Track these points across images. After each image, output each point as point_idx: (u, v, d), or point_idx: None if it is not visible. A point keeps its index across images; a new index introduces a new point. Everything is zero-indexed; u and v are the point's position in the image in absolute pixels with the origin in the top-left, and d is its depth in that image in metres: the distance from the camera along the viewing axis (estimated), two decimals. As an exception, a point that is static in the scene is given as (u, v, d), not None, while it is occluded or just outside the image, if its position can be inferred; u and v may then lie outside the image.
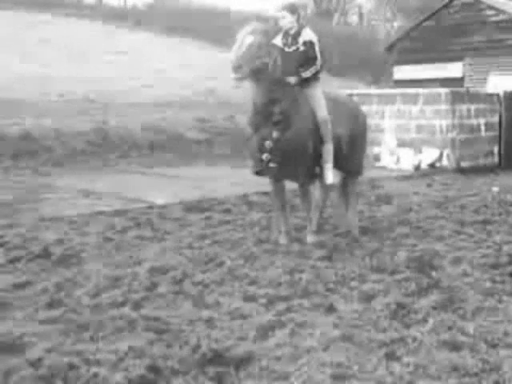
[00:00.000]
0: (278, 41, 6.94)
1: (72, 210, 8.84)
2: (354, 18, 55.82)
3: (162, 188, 11.08)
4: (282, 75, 6.66)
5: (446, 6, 24.67)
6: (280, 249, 6.78)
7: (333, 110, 6.97)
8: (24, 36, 26.45)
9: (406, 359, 4.06)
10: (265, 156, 6.58)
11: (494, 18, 23.18)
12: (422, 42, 25.03)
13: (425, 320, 4.72)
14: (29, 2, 33.06)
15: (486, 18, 23.42)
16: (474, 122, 15.38)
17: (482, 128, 15.68)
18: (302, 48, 6.81)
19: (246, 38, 6.36)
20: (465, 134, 15.08)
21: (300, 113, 6.69)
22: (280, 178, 6.99)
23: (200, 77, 25.70)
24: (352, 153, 7.32)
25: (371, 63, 34.87)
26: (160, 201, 9.54)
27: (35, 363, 3.95)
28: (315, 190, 7.22)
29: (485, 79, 21.12)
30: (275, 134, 6.52)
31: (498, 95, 16.19)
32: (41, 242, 6.91)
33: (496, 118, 16.05)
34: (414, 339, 4.35)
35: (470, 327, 4.54)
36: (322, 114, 6.83)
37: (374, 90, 18.24)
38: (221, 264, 6.20)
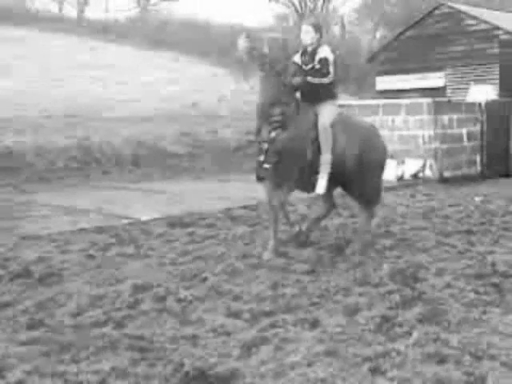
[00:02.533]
0: (297, 58, 7.07)
1: (53, 227, 8.77)
2: (335, 29, 56.07)
3: (145, 204, 11.03)
4: (301, 96, 6.90)
5: (427, 16, 24.82)
6: (264, 263, 6.75)
7: (345, 130, 7.02)
8: (2, 51, 26.31)
9: (390, 373, 4.04)
10: (261, 157, 6.65)
11: (474, 28, 23.32)
12: (403, 53, 25.15)
13: (409, 333, 4.71)
14: (8, 17, 32.89)
15: (466, 27, 23.57)
16: (456, 131, 15.45)
17: (464, 138, 15.76)
18: (317, 66, 6.88)
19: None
20: (447, 144, 15.15)
21: (301, 118, 6.76)
22: (273, 181, 6.91)
23: (184, 90, 25.69)
24: (362, 179, 7.21)
25: (353, 74, 35.01)
26: (143, 217, 9.49)
27: (15, 386, 3.89)
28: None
29: (466, 89, 21.23)
30: (271, 135, 6.59)
31: (479, 104, 16.29)
32: (21, 261, 6.84)
33: (478, 128, 16.14)
34: (399, 353, 4.34)
35: (455, 339, 4.53)
36: (323, 122, 6.86)
37: (356, 101, 18.29)
38: (204, 280, 6.16)
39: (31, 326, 4.96)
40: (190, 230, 8.57)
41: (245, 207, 10.28)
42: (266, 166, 6.65)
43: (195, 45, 34.05)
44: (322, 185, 6.92)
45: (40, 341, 4.65)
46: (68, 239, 8.04)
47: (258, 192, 11.36)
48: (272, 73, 6.61)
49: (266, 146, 6.62)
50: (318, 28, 6.99)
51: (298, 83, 6.78)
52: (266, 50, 6.50)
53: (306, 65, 6.95)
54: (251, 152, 18.39)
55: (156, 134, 18.56)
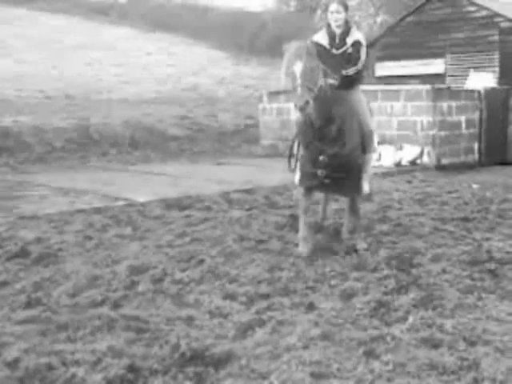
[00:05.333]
0: (322, 40, 6.56)
1: (51, 208, 8.77)
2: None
3: (142, 185, 11.03)
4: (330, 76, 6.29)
5: (428, 2, 24.71)
6: (260, 246, 6.76)
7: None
8: (2, 31, 26.20)
9: (385, 357, 4.07)
10: (320, 172, 6.33)
11: (475, 15, 23.23)
12: (404, 39, 25.07)
13: (404, 318, 4.74)
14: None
15: (467, 14, 23.47)
16: (454, 118, 15.44)
17: (463, 125, 15.74)
18: (350, 49, 6.47)
19: (295, 67, 5.84)
20: (446, 131, 15.14)
21: (352, 126, 6.41)
22: (332, 193, 6.79)
23: (183, 73, 25.64)
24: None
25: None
26: (140, 198, 9.49)
27: (12, 364, 3.92)
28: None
29: (466, 76, 21.17)
30: (332, 150, 6.26)
31: (479, 92, 16.27)
32: (19, 241, 6.85)
33: (477, 115, 16.12)
34: (394, 337, 4.36)
35: (449, 325, 4.56)
36: (368, 126, 6.61)
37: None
38: (201, 262, 6.18)
39: (28, 305, 4.99)
40: (187, 212, 8.58)
41: (242, 191, 10.28)
42: (328, 181, 6.36)
43: (195, 28, 33.93)
44: (367, 185, 6.75)
45: (37, 320, 4.68)
46: (65, 220, 8.05)
47: (255, 176, 11.40)
48: (323, 94, 6.08)
49: (325, 160, 6.27)
50: (346, 7, 6.52)
51: (339, 82, 6.29)
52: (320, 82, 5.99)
53: (337, 49, 6.49)
54: (249, 135, 18.40)
55: (155, 116, 18.53)
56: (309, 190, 6.68)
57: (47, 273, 5.83)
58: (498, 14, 22.66)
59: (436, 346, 4.25)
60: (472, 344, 4.27)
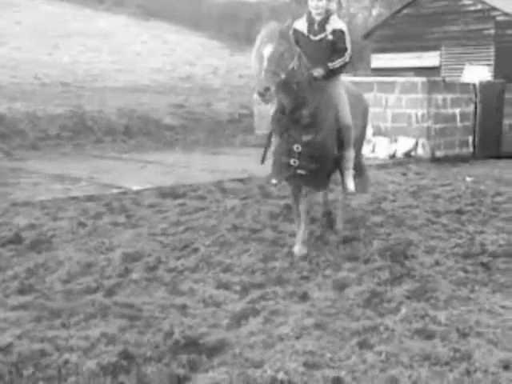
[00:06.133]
0: (301, 26, 6.39)
1: (45, 194, 8.75)
2: (332, 6, 55.57)
3: (136, 174, 11.00)
4: (308, 64, 6.10)
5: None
6: (254, 236, 6.76)
7: (353, 104, 6.58)
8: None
9: (378, 348, 4.09)
10: (293, 161, 6.10)
11: (471, 8, 23.23)
12: (399, 31, 25.04)
13: (397, 309, 4.76)
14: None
15: (463, 7, 23.46)
16: (449, 111, 15.43)
17: (458, 118, 15.74)
18: (330, 37, 6.29)
19: (264, 50, 5.62)
20: (440, 124, 15.14)
21: (327, 115, 6.19)
22: (305, 185, 6.35)
23: (179, 62, 25.56)
24: (360, 146, 7.20)
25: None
26: (134, 187, 9.48)
27: (5, 349, 3.92)
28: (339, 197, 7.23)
29: (461, 69, 21.17)
30: (305, 138, 6.04)
31: (473, 85, 16.27)
32: (12, 227, 6.85)
33: (471, 108, 16.12)
34: (387, 328, 4.38)
35: (442, 316, 4.58)
36: (345, 120, 6.38)
37: (351, 78, 18.22)
38: (195, 251, 6.19)
39: (22, 292, 4.99)
40: (181, 201, 8.57)
41: (236, 180, 10.28)
42: (301, 171, 6.10)
43: (190, 17, 33.81)
44: (351, 183, 6.57)
45: (30, 306, 4.69)
46: (59, 206, 8.03)
47: (250, 165, 11.39)
48: (293, 81, 5.84)
49: (299, 148, 6.02)
50: None
51: (322, 74, 6.17)
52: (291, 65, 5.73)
53: (315, 35, 6.27)
54: (244, 124, 18.37)
55: (149, 104, 18.47)
56: (294, 194, 6.48)
57: (40, 259, 5.83)
58: (494, 8, 22.65)
59: (429, 337, 4.27)
60: (464, 336, 4.29)
